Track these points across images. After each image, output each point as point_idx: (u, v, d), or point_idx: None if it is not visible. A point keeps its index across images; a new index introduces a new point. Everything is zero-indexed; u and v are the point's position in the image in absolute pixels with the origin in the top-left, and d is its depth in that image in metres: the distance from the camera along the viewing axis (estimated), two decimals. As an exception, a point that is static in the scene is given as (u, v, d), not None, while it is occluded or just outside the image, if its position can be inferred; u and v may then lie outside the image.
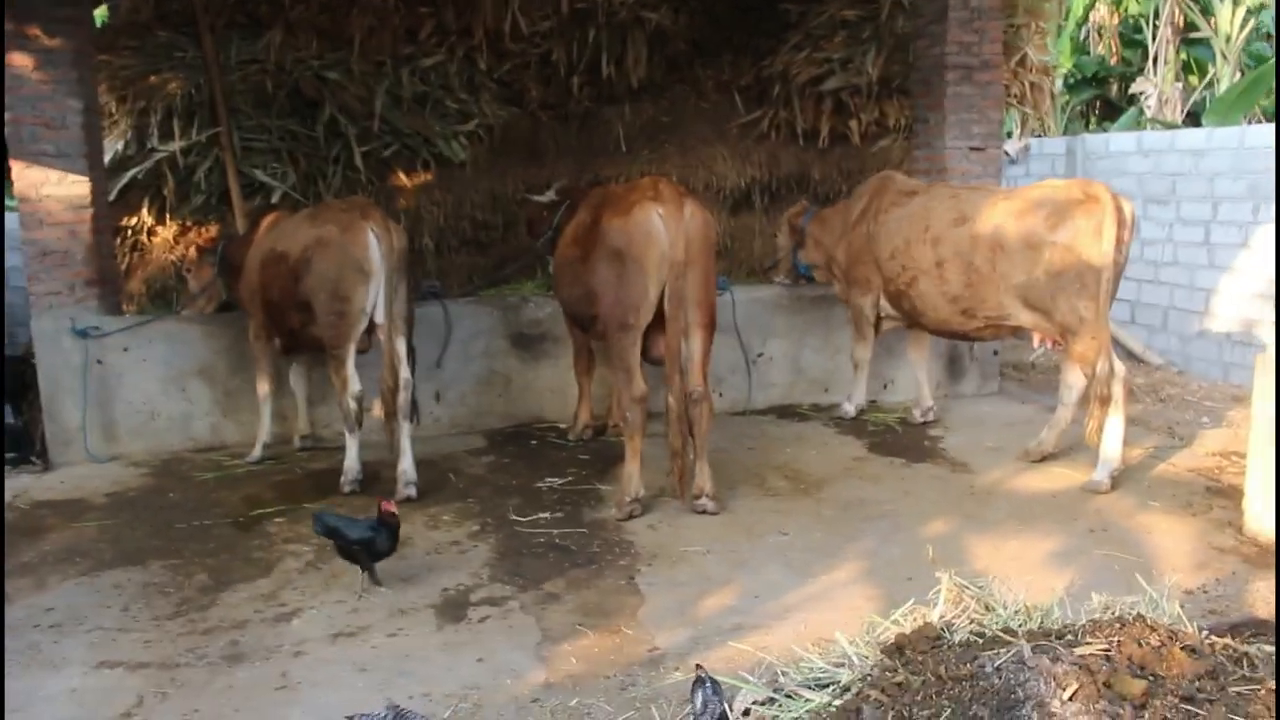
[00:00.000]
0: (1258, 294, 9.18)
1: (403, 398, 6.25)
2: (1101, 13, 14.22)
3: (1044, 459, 6.89)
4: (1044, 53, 9.30)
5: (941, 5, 8.10)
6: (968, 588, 3.88)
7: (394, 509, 5.05)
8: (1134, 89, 12.94)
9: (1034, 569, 5.17)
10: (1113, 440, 6.35)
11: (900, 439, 7.51)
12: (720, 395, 7.95)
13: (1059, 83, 12.55)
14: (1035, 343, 6.71)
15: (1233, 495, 6.06)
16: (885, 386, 8.49)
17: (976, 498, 6.28)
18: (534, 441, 7.63)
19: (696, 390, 5.84)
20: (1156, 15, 13.42)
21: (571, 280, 6.30)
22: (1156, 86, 12.97)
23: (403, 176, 8.75)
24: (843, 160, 9.20)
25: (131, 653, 4.45)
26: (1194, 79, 13.44)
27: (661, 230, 5.62)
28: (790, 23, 9.16)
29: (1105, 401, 6.25)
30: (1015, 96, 8.99)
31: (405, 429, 6.29)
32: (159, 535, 5.88)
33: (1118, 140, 11.18)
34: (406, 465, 6.30)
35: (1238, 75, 12.66)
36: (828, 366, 8.41)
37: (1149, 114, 12.86)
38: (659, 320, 5.78)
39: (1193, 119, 13.08)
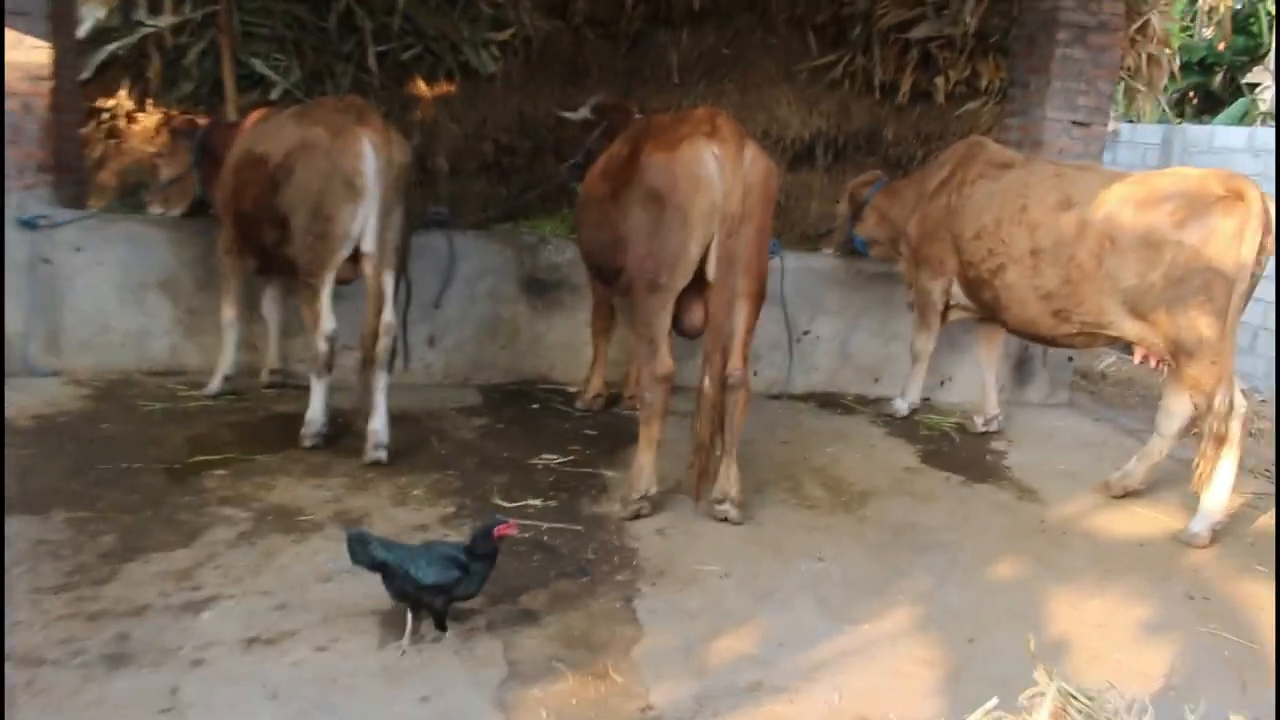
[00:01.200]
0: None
1: (383, 344, 5.26)
2: (1217, -6, 12.92)
3: (1126, 495, 5.86)
4: (1170, 20, 8.10)
5: (1061, -50, 6.94)
6: (1075, 699, 2.89)
7: (513, 530, 3.82)
8: (1249, 79, 11.61)
9: (1124, 643, 4.19)
10: (1221, 487, 5.30)
11: (958, 450, 6.48)
12: (756, 375, 6.94)
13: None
14: (1137, 358, 5.62)
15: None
16: (942, 383, 7.45)
17: (1049, 536, 5.26)
18: (536, 405, 6.64)
19: (736, 374, 4.82)
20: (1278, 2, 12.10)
21: (597, 222, 5.26)
22: (1275, 79, 11.67)
23: (422, 85, 7.66)
24: (922, 121, 8.07)
25: (-12, 637, 3.52)
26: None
27: (715, 174, 4.57)
28: (883, -45, 8.01)
29: (1221, 441, 5.21)
30: (1129, 69, 7.81)
31: (383, 381, 5.31)
32: (76, 476, 4.93)
33: (1225, 134, 9.99)
34: (379, 424, 5.32)
35: None
36: (881, 354, 7.36)
37: (1263, 108, 11.58)
38: (696, 284, 4.75)
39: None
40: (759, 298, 4.85)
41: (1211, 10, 11.60)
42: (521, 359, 6.94)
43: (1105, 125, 7.29)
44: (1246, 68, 11.48)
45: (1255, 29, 14.06)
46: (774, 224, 5.12)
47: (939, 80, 7.85)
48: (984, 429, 6.80)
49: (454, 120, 7.64)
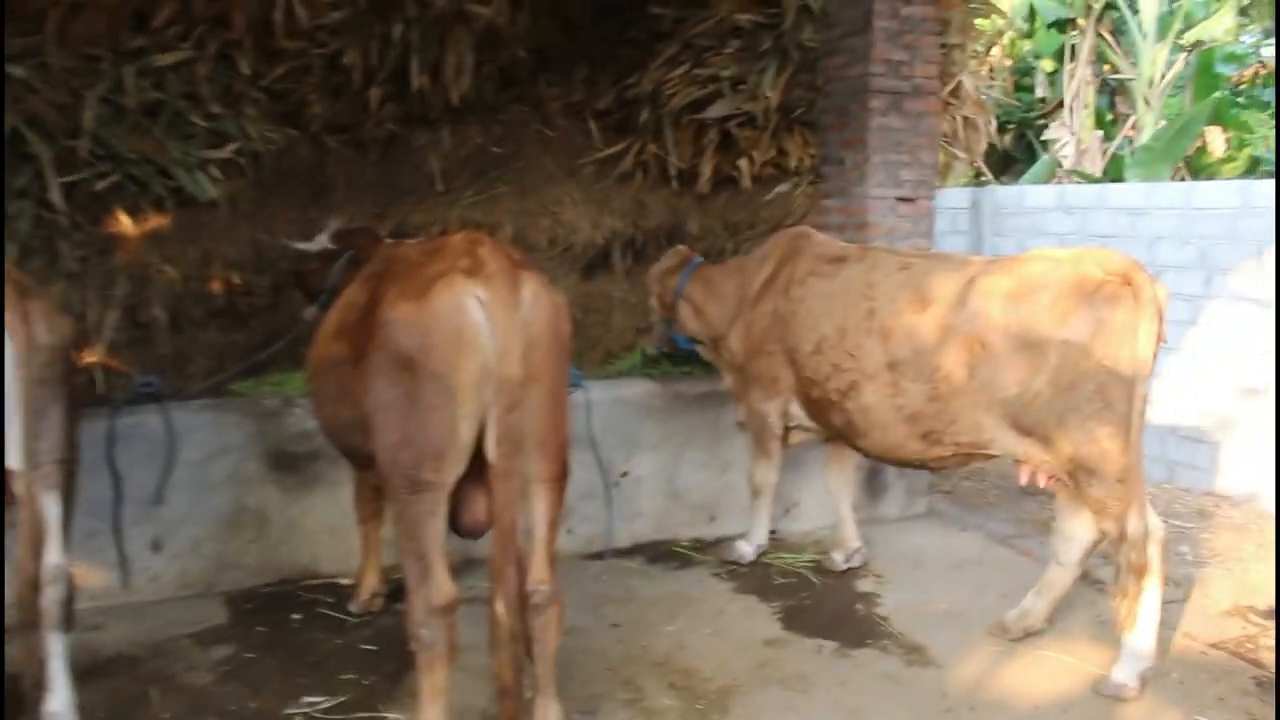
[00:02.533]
0: (1214, 382, 7.54)
1: (49, 596, 3.75)
2: (995, 54, 12.70)
3: (1027, 636, 4.89)
4: (981, 81, 7.46)
5: (864, 11, 6.13)
6: None
7: None
8: (1048, 135, 11.38)
9: None
10: (1147, 626, 4.38)
11: (823, 601, 5.38)
12: (570, 532, 5.72)
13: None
14: (1024, 478, 4.66)
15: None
16: (788, 511, 6.38)
17: (956, 716, 4.19)
18: (297, 616, 5.16)
19: (541, 590, 3.56)
20: (1072, 55, 11.95)
21: (335, 394, 3.93)
22: (1074, 134, 11.44)
23: (125, 220, 6.17)
24: (729, 209, 7.12)
25: None
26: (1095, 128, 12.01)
27: (483, 325, 3.34)
28: (664, 30, 7.05)
29: (1141, 573, 4.27)
30: (945, 135, 7.10)
31: (57, 645, 3.78)
32: None
33: (1035, 194, 9.52)
34: (57, 705, 3.78)
35: (1160, 124, 11.31)
36: (714, 487, 6.24)
37: (1066, 164, 11.33)
38: (476, 467, 3.49)
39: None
40: (561, 480, 3.62)
41: (993, 71, 11.33)
42: (276, 553, 5.47)
43: (931, 199, 6.50)
44: (1036, 123, 11.26)
45: (1030, 85, 14.08)
46: (572, 346, 3.93)
47: (743, 163, 6.91)
48: (845, 565, 5.75)
49: (170, 260, 6.17)
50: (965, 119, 7.13)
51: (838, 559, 5.75)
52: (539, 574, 3.55)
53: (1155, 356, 4.24)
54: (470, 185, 6.79)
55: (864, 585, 5.59)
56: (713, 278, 5.94)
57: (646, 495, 6.07)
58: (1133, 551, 4.26)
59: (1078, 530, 4.73)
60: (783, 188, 6.96)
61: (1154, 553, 4.34)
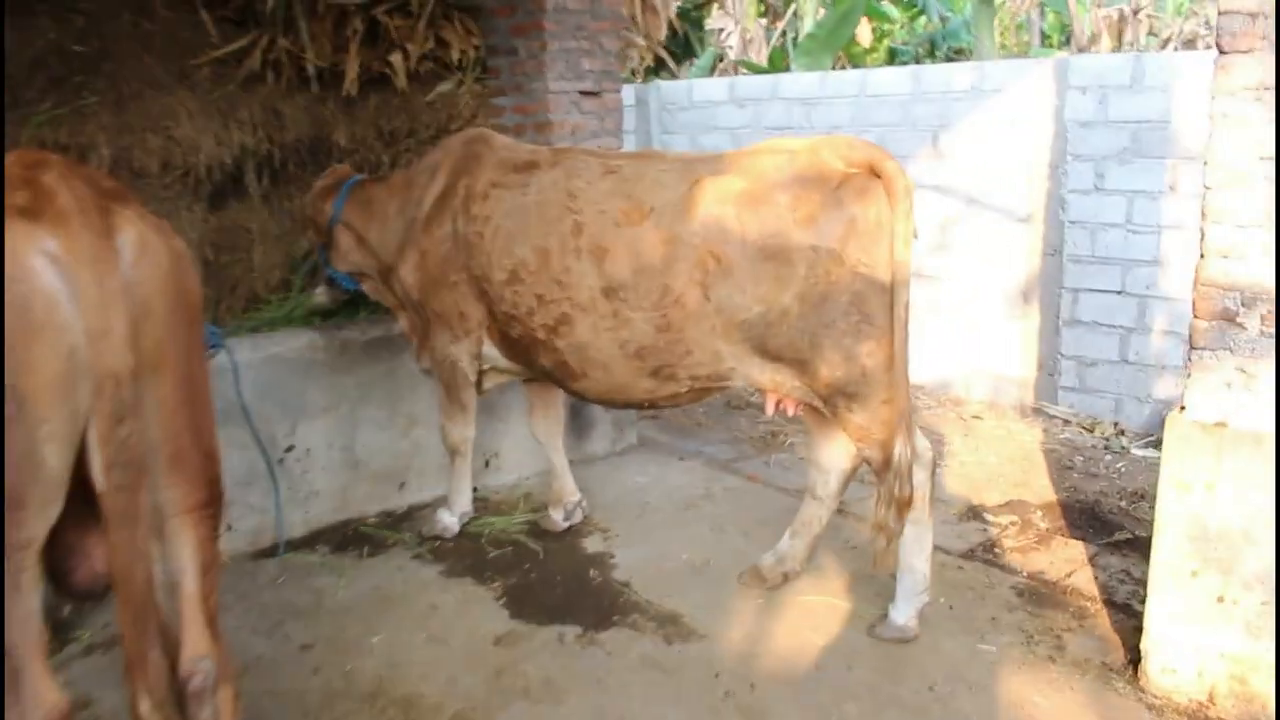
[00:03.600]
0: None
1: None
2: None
3: (787, 581, 4.36)
4: (657, -43, 6.68)
5: None
6: None
7: None
8: (710, 25, 10.85)
9: None
10: (919, 561, 3.93)
11: (550, 573, 4.57)
12: (230, 529, 4.56)
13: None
14: (770, 409, 4.03)
15: (1062, 604, 4.25)
16: (487, 464, 5.52)
17: (736, 700, 3.57)
18: None
19: (200, 673, 2.47)
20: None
21: None
22: (738, 23, 10.96)
23: None
24: (383, 115, 5.95)
25: None
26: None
27: (60, 295, 2.17)
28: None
29: (906, 505, 3.77)
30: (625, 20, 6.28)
31: None
32: None
33: (704, 87, 8.99)
34: None
35: (820, 14, 11.09)
36: (399, 448, 5.23)
37: (733, 55, 10.86)
38: (78, 498, 2.33)
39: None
40: (211, 508, 2.52)
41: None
42: None
43: (618, 91, 5.70)
44: (692, 14, 10.74)
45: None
46: (205, 295, 2.81)
47: (395, 59, 5.75)
48: (567, 524, 4.98)
49: None
50: (644, 1, 6.35)
51: (557, 517, 4.97)
52: (196, 646, 2.46)
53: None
54: (46, 96, 5.19)
55: (592, 544, 4.85)
56: (374, 197, 4.86)
57: (320, 470, 4.98)
58: (898, 481, 3.74)
59: (834, 459, 4.21)
60: (445, 86, 5.89)
61: (922, 479, 3.87)
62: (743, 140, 8.45)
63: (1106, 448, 6.30)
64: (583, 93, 5.52)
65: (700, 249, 3.79)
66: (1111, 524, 5.15)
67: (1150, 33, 12.88)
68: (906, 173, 3.69)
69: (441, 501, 5.03)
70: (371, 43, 5.76)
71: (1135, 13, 12.79)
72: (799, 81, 8.24)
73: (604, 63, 5.58)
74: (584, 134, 5.53)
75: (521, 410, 5.33)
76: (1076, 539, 4.93)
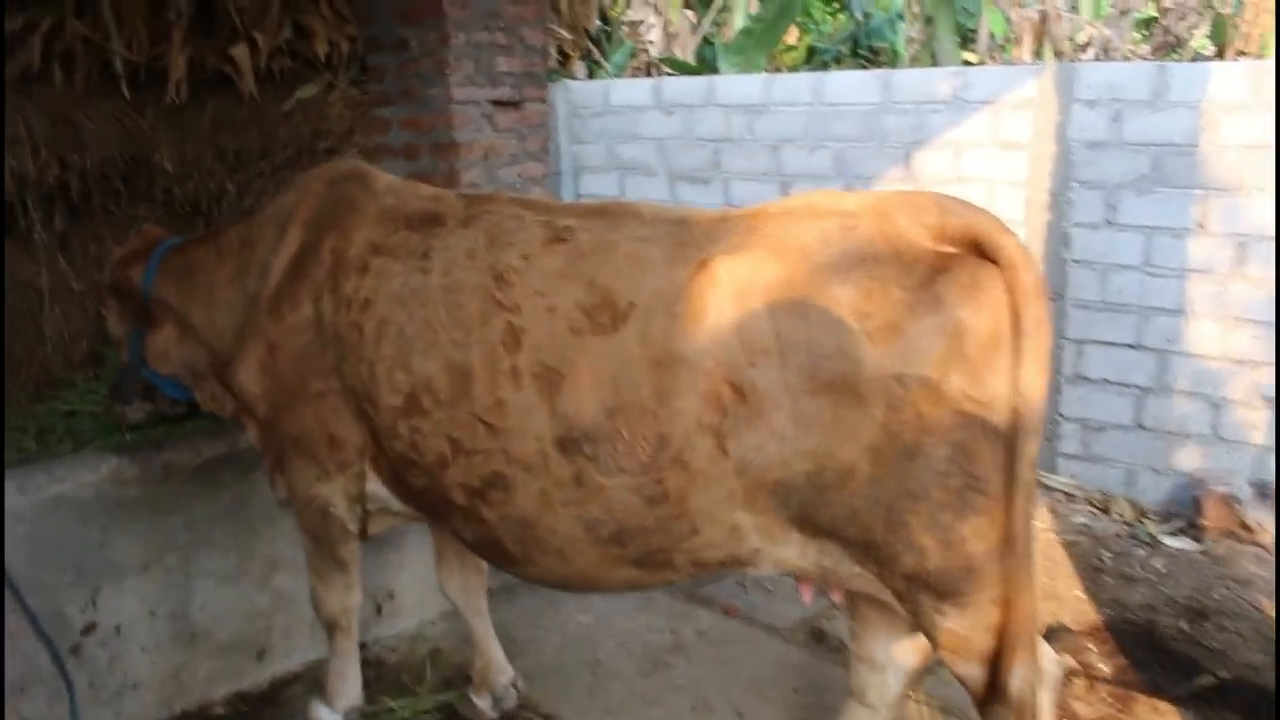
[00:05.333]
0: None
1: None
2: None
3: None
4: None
5: None
6: None
7: None
8: (627, 17, 9.34)
9: None
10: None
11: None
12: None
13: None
14: (807, 596, 2.71)
15: None
16: (379, 609, 4.08)
17: None
18: None
19: None
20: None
21: None
22: (661, 14, 9.48)
23: None
24: (224, 129, 4.43)
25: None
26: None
27: None
28: None
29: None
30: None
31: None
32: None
33: (624, 89, 7.61)
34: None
35: (754, 7, 9.73)
36: (258, 604, 3.75)
37: (654, 52, 9.41)
38: None
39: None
40: None
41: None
42: None
43: (543, 101, 4.30)
44: (615, 8, 9.30)
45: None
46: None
47: (239, 52, 4.23)
48: (496, 714, 3.58)
49: None
50: (571, -15, 4.95)
51: (483, 705, 3.56)
52: None
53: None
54: None
55: (531, 742, 3.48)
56: (195, 264, 3.36)
57: (138, 652, 3.46)
58: (1013, 718, 2.48)
59: (894, 654, 2.92)
60: (308, 90, 4.40)
61: (1045, 705, 2.62)
62: (675, 154, 7.15)
63: (1133, 536, 5.25)
64: (497, 103, 4.10)
65: (713, 375, 2.43)
66: (1183, 660, 4.09)
67: (1069, 38, 11.88)
68: (1031, 253, 2.41)
69: (318, 672, 3.59)
70: (205, 30, 4.21)
71: (1058, 16, 11.77)
72: (739, 85, 6.94)
73: (525, 62, 4.17)
74: (499, 159, 4.14)
75: (419, 532, 3.92)
76: (1156, 694, 3.80)
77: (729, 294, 2.45)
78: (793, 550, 2.57)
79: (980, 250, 2.39)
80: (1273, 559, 4.85)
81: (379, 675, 3.79)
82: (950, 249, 2.42)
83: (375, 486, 3.10)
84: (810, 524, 2.50)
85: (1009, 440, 2.36)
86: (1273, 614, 4.26)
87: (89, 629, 3.30)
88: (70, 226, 4.28)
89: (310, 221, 3.12)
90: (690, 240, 2.58)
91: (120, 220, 4.42)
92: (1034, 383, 2.34)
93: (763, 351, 2.40)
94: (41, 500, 3.16)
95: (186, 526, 3.49)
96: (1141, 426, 5.57)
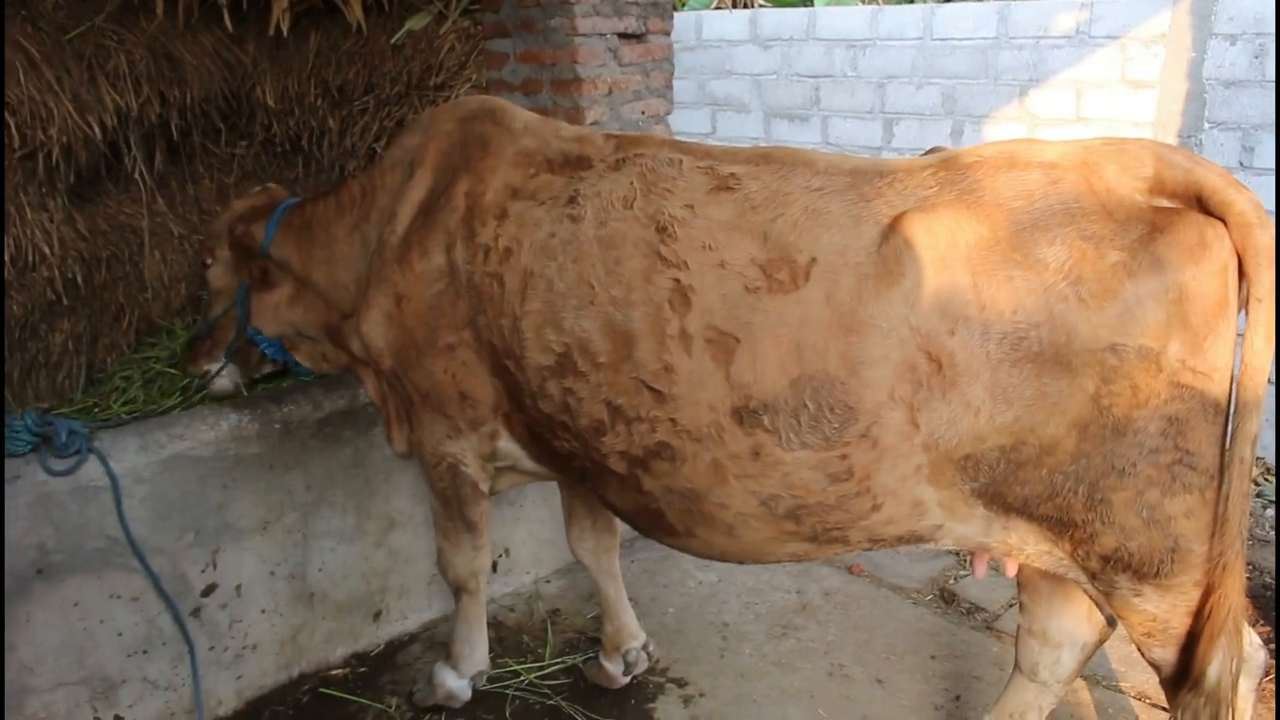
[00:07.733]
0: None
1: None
2: None
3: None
4: None
5: None
6: None
7: None
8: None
9: None
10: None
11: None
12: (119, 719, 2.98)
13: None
14: (979, 571, 2.54)
15: None
16: (494, 566, 3.95)
17: None
18: None
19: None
20: None
21: None
22: None
23: None
24: (328, 63, 4.24)
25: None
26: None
27: None
28: None
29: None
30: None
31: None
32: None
33: (717, 22, 7.30)
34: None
35: None
36: (375, 563, 3.64)
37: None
38: None
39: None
40: None
41: None
42: None
43: (669, 34, 4.06)
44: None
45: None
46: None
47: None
48: (628, 678, 3.46)
49: None
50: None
51: (613, 670, 3.44)
52: None
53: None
54: None
55: (667, 712, 3.34)
56: (316, 220, 3.19)
57: (258, 614, 3.36)
58: (1211, 709, 2.31)
59: (1069, 628, 2.74)
60: (418, 21, 4.20)
61: (1246, 691, 2.45)
62: (772, 91, 6.86)
63: (1259, 495, 5.00)
64: (623, 35, 3.88)
65: (908, 344, 2.24)
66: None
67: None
68: (1265, 211, 2.18)
69: (434, 633, 3.49)
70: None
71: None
72: (842, 18, 6.61)
73: (650, -8, 3.93)
74: (623, 95, 3.92)
75: (535, 487, 3.79)
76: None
77: (926, 255, 2.24)
78: (976, 526, 2.39)
79: (1204, 206, 2.17)
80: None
81: (498, 636, 3.68)
82: (1169, 204, 2.19)
83: (507, 444, 2.95)
84: (1000, 501, 2.32)
85: (1227, 413, 2.16)
86: None
87: (209, 590, 3.20)
88: (170, 167, 4.13)
89: (440, 164, 2.94)
90: (875, 194, 2.36)
91: (219, 159, 4.27)
92: (1262, 354, 2.13)
93: (964, 319, 2.20)
94: (160, 460, 3.04)
95: (306, 485, 3.37)
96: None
